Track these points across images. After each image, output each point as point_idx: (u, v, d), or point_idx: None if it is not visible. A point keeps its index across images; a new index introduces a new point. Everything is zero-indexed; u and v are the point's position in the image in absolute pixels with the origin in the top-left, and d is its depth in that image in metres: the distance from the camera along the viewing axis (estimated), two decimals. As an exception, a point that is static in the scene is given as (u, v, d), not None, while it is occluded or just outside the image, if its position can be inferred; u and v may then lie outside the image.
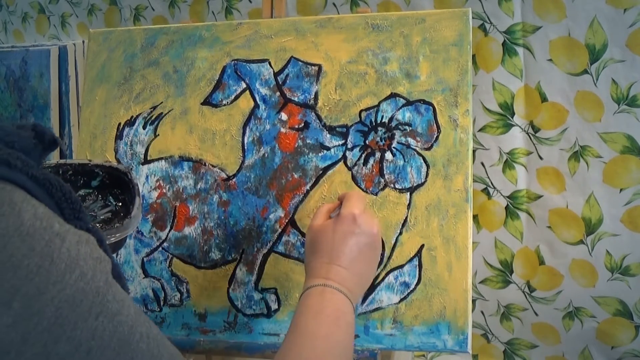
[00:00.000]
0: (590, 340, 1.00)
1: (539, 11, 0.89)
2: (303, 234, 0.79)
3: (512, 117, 0.96)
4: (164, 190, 0.84)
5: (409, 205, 0.76)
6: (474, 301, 1.08)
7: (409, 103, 0.78)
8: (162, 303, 0.82)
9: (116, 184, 0.59)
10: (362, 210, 0.63)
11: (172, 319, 0.81)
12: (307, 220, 0.79)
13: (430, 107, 0.77)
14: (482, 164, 1.00)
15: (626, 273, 0.93)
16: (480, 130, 0.99)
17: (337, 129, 0.80)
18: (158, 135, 0.86)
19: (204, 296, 0.81)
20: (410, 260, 0.75)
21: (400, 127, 0.78)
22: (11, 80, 1.28)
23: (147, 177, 0.85)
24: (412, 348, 0.74)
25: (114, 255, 0.55)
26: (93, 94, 0.90)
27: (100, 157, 0.88)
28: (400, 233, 0.76)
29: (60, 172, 0.57)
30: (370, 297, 0.75)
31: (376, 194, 0.77)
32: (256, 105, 0.83)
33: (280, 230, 0.79)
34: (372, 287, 0.75)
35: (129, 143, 0.87)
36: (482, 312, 1.09)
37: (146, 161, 0.86)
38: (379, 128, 0.78)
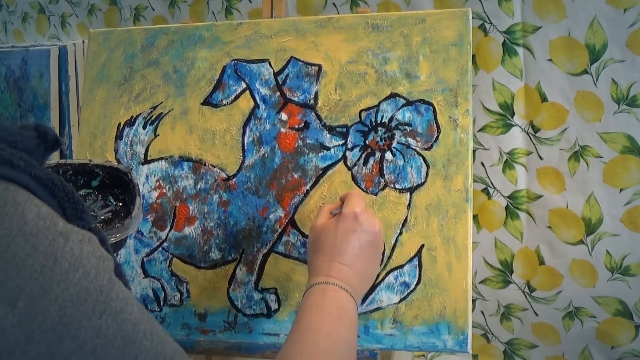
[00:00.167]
0: (590, 340, 1.00)
1: (539, 11, 0.89)
2: (303, 234, 0.79)
3: (512, 117, 0.96)
4: (164, 190, 0.84)
5: (409, 205, 0.76)
6: (474, 301, 1.08)
7: (409, 103, 0.78)
8: (162, 303, 0.82)
9: (116, 184, 0.59)
10: (364, 208, 0.64)
11: (172, 319, 0.81)
12: (307, 220, 0.79)
13: (430, 107, 0.77)
14: (482, 164, 1.00)
15: (626, 273, 0.93)
16: (480, 130, 0.99)
17: (337, 129, 0.80)
18: (158, 135, 0.86)
19: (204, 296, 0.81)
20: (410, 260, 0.75)
21: (400, 127, 0.78)
22: (11, 80, 1.28)
23: (147, 177, 0.85)
24: (412, 348, 0.74)
25: (116, 255, 0.55)
26: (93, 94, 0.90)
27: (100, 157, 0.88)
28: (400, 233, 0.76)
29: (61, 172, 0.57)
30: (370, 297, 0.75)
31: (376, 194, 0.77)
32: (256, 105, 0.83)
33: (280, 230, 0.79)
34: (372, 287, 0.75)
35: (129, 143, 0.87)
36: (482, 312, 1.09)
37: (146, 161, 0.86)
38: (379, 128, 0.78)
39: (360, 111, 0.79)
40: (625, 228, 0.92)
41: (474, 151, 0.99)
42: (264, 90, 0.83)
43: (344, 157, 0.79)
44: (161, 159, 0.85)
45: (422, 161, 0.76)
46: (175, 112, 0.86)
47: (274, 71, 0.83)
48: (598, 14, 0.85)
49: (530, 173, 0.98)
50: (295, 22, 0.84)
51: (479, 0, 0.92)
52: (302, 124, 0.81)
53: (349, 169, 0.79)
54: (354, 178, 0.78)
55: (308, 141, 0.81)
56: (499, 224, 1.02)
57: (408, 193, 0.76)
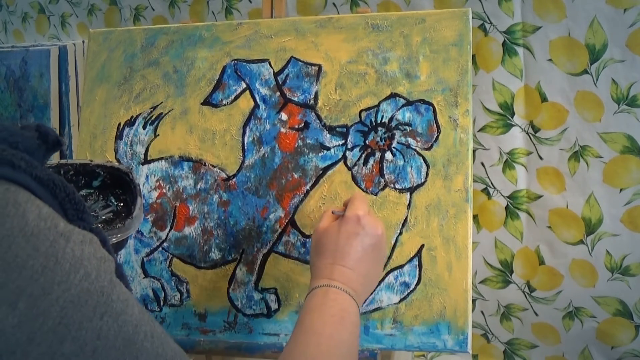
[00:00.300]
0: (590, 340, 1.00)
1: (539, 11, 0.89)
2: (303, 234, 0.79)
3: (512, 117, 0.96)
4: (164, 190, 0.84)
5: (409, 205, 0.76)
6: (474, 301, 1.08)
7: (409, 103, 0.78)
8: (162, 303, 0.82)
9: (117, 184, 0.59)
10: (367, 211, 0.64)
11: (172, 319, 0.81)
12: (307, 220, 0.79)
13: (430, 107, 0.77)
14: (482, 164, 1.00)
15: (626, 273, 0.93)
16: (480, 130, 0.99)
17: (337, 129, 0.80)
18: (158, 135, 0.86)
19: (204, 296, 0.81)
20: (410, 260, 0.75)
21: (400, 127, 0.78)
22: (11, 80, 1.28)
23: (147, 177, 0.85)
24: (412, 348, 0.74)
25: (115, 255, 0.55)
26: (93, 94, 0.90)
27: (100, 157, 0.88)
28: (400, 233, 0.76)
29: (62, 172, 0.57)
30: (370, 297, 0.75)
31: (376, 194, 0.77)
32: (256, 105, 0.83)
33: (280, 230, 0.80)
34: (373, 287, 0.75)
35: (129, 143, 0.87)
36: (482, 312, 1.09)
37: (146, 161, 0.86)
38: (379, 128, 0.79)
39: (360, 111, 0.79)
40: (625, 228, 0.92)
41: (474, 151, 0.99)
42: (264, 90, 0.83)
43: (344, 157, 0.79)
44: (161, 159, 0.85)
45: (422, 161, 0.76)
46: (175, 112, 0.86)
47: (274, 71, 0.83)
48: (598, 14, 0.85)
49: (530, 173, 0.98)
50: (295, 22, 0.84)
51: (479, 0, 0.92)
52: (302, 124, 0.81)
53: (349, 169, 0.79)
54: (354, 178, 0.78)
55: (308, 141, 0.81)
56: (499, 224, 1.02)
57: (408, 193, 0.76)
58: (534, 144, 0.96)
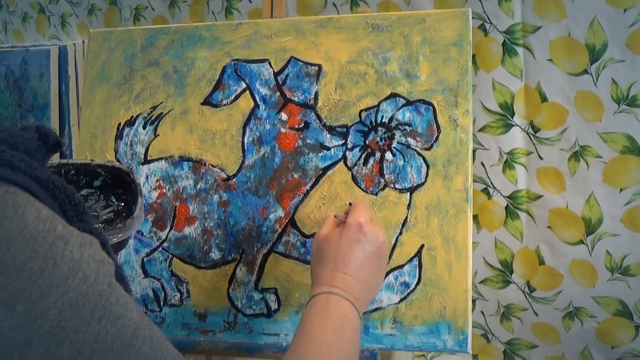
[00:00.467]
0: (590, 340, 1.00)
1: (539, 11, 0.89)
2: (303, 234, 0.79)
3: (512, 117, 0.96)
4: (164, 190, 0.84)
5: (409, 205, 0.76)
6: (474, 301, 1.08)
7: (409, 103, 0.78)
8: (162, 303, 0.82)
9: (118, 184, 0.59)
10: (368, 219, 0.64)
11: (172, 319, 0.81)
12: (307, 220, 0.79)
13: (430, 107, 0.77)
14: (482, 164, 1.00)
15: (626, 273, 0.93)
16: (480, 130, 0.99)
17: (337, 129, 0.80)
18: (158, 135, 0.86)
19: (204, 296, 0.81)
20: (410, 260, 0.75)
21: (400, 127, 0.78)
22: (11, 80, 1.28)
23: (147, 177, 0.85)
24: (412, 348, 0.74)
25: (116, 256, 0.55)
26: (93, 94, 0.90)
27: (100, 157, 0.88)
28: (400, 233, 0.76)
29: (63, 172, 0.57)
30: (370, 297, 0.75)
31: (376, 194, 0.77)
32: (256, 105, 0.83)
33: (280, 230, 0.80)
34: (373, 288, 0.75)
35: (129, 143, 0.87)
36: (482, 312, 1.09)
37: (146, 161, 0.86)
38: (379, 128, 0.79)
39: (360, 111, 0.79)
40: (625, 228, 0.92)
41: (474, 151, 0.99)
42: (264, 90, 0.83)
43: (344, 157, 0.79)
44: (161, 159, 0.85)
45: (422, 161, 0.76)
46: (175, 112, 0.86)
47: (274, 71, 0.83)
48: (598, 14, 0.85)
49: (530, 173, 0.98)
50: (295, 22, 0.84)
51: (479, 0, 0.92)
52: (302, 124, 0.81)
53: (349, 169, 0.79)
54: (354, 178, 0.78)
55: (308, 141, 0.81)
56: (499, 224, 1.02)
57: (408, 193, 0.76)
58: (534, 144, 0.96)
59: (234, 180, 0.82)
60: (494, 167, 1.00)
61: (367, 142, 0.79)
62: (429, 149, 0.77)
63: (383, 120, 0.78)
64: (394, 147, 0.78)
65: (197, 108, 0.85)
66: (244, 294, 0.80)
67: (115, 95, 0.89)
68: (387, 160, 0.78)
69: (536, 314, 1.03)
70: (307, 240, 0.79)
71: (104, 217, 0.57)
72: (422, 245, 0.75)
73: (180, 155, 0.85)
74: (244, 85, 0.84)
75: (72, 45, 1.25)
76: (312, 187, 0.79)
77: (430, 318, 0.73)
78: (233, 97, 0.84)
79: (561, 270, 0.98)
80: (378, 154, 0.78)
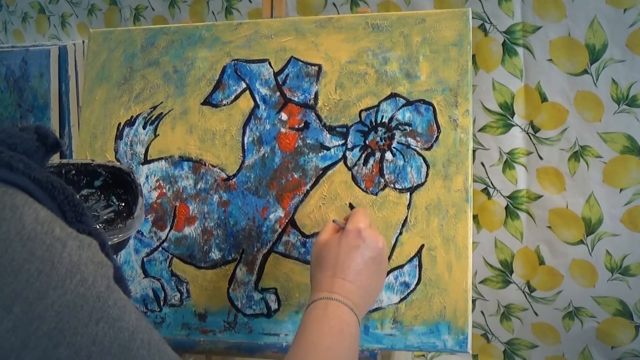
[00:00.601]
0: (590, 340, 1.00)
1: (539, 11, 0.89)
2: (303, 234, 0.79)
3: (512, 117, 0.96)
4: (164, 190, 0.84)
5: (409, 205, 0.76)
6: (474, 301, 1.08)
7: (409, 103, 0.78)
8: (162, 303, 0.82)
9: (119, 184, 0.59)
10: (368, 225, 0.64)
11: (172, 319, 0.81)
12: (307, 220, 0.79)
13: (430, 107, 0.77)
14: (482, 164, 1.00)
15: (626, 273, 0.93)
16: (480, 130, 0.99)
17: (337, 129, 0.80)
18: (158, 135, 0.86)
19: (204, 296, 0.81)
20: (410, 260, 0.75)
21: (400, 127, 0.78)
22: (11, 80, 1.28)
23: (147, 177, 0.85)
24: (412, 348, 0.74)
25: (116, 256, 0.55)
26: (93, 94, 0.90)
27: (101, 157, 0.88)
28: (400, 233, 0.76)
29: (63, 172, 0.57)
30: (370, 297, 0.75)
31: (376, 194, 0.77)
32: (256, 105, 0.83)
33: (280, 230, 0.79)
34: (372, 288, 0.75)
35: (129, 143, 0.87)
36: (482, 312, 1.09)
37: (146, 161, 0.86)
38: (379, 128, 0.78)
39: (360, 111, 0.79)
40: (625, 228, 0.92)
41: (474, 151, 0.99)
42: (264, 90, 0.83)
43: (344, 157, 0.79)
44: (161, 159, 0.85)
45: (422, 161, 0.76)
46: (175, 112, 0.86)
47: (274, 71, 0.83)
48: (598, 14, 0.85)
49: (530, 173, 0.98)
50: (295, 22, 0.84)
51: (479, 0, 0.92)
52: (302, 124, 0.81)
53: (349, 169, 0.79)
54: (354, 178, 0.78)
55: (308, 141, 0.81)
56: (499, 224, 1.02)
57: (408, 193, 0.76)
58: (534, 144, 0.96)
59: (234, 180, 0.82)
60: (494, 167, 1.00)
61: (367, 142, 0.79)
62: (429, 149, 0.77)
63: (383, 120, 0.78)
64: (394, 147, 0.78)
65: (197, 108, 0.85)
66: (244, 294, 0.80)
67: (115, 95, 0.89)
68: (387, 160, 0.78)
69: (536, 314, 1.03)
70: (307, 240, 0.79)
71: (105, 217, 0.57)
72: (422, 245, 0.75)
73: (180, 155, 0.85)
74: (244, 85, 0.84)
75: (72, 45, 1.25)
76: (312, 187, 0.79)
77: (430, 318, 0.73)
78: (233, 97, 0.84)
79: (561, 270, 0.98)
80: (378, 154, 0.78)
